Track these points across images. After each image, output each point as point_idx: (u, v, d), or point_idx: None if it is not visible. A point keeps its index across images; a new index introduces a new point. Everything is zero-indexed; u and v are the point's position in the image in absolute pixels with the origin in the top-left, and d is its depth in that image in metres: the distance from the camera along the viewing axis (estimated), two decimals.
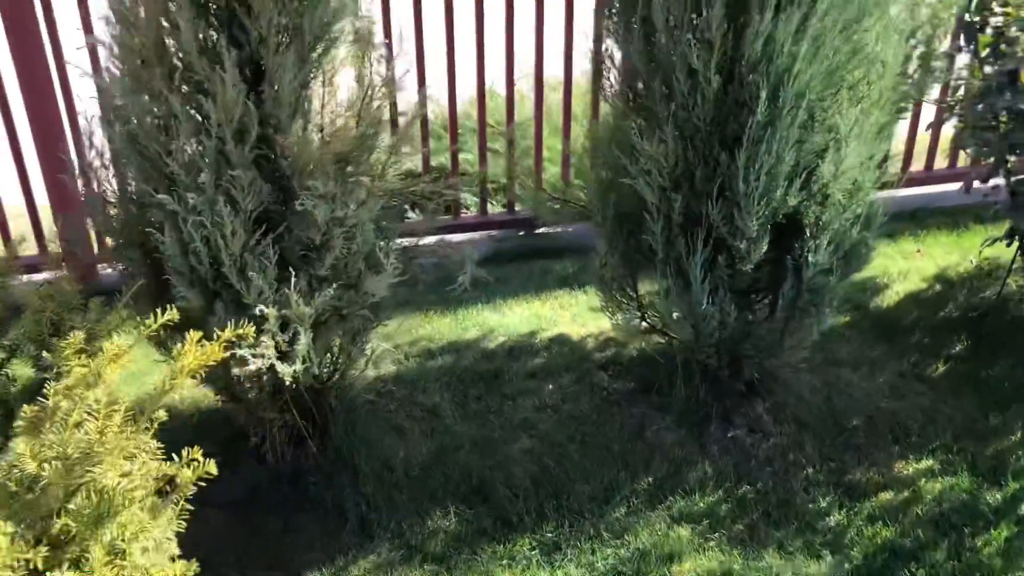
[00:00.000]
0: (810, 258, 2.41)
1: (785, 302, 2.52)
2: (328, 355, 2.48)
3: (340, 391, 2.63)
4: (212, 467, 1.51)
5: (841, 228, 2.42)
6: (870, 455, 2.70)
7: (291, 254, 2.22)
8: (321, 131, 2.32)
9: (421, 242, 2.67)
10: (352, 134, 2.38)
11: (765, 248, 2.39)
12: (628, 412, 2.90)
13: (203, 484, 1.68)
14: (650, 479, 2.63)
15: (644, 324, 2.80)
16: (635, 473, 2.64)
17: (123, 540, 1.37)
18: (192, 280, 2.15)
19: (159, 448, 1.55)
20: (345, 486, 2.56)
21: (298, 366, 2.07)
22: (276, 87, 2.10)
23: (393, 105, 2.74)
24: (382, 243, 2.36)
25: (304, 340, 2.09)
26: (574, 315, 3.44)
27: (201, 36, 2.05)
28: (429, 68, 3.53)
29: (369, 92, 2.42)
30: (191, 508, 1.61)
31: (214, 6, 2.08)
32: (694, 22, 2.20)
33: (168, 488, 1.55)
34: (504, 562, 2.36)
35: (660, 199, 2.38)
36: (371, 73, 2.41)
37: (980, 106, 2.91)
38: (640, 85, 2.38)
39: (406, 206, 2.74)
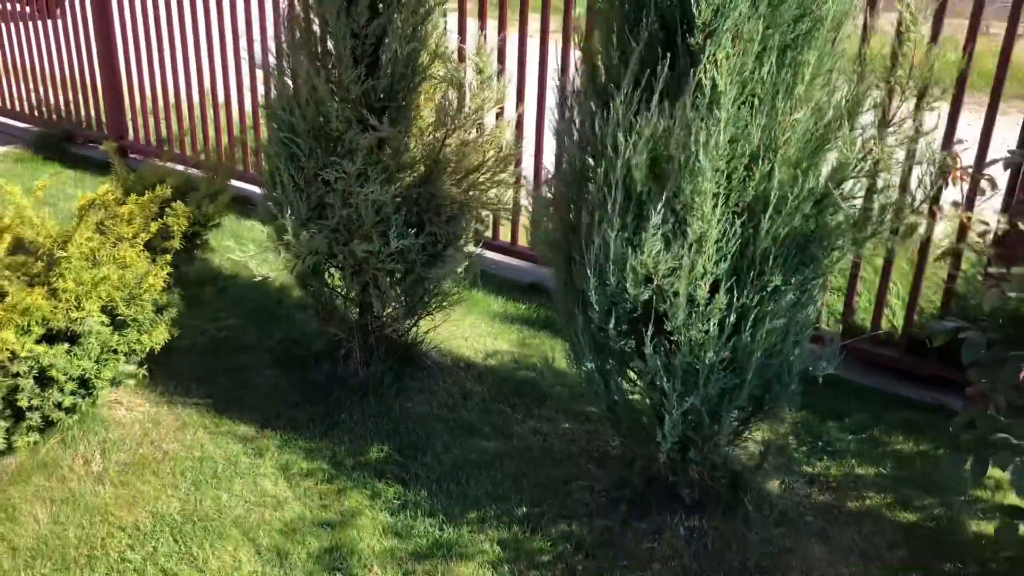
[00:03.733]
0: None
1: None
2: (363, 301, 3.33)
3: (386, 337, 3.43)
4: None
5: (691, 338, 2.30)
6: None
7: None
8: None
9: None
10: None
11: (615, 327, 2.43)
12: (586, 473, 3.03)
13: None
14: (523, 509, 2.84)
15: None
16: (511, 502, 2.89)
17: None
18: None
19: None
20: (354, 402, 3.37)
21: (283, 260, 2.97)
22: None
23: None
24: (396, 218, 3.08)
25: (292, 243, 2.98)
26: None
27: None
28: None
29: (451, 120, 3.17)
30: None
31: None
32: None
33: None
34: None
35: (555, 253, 2.61)
36: (453, 104, 3.15)
37: None
38: None
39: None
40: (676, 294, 2.28)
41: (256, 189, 5.10)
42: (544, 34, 4.03)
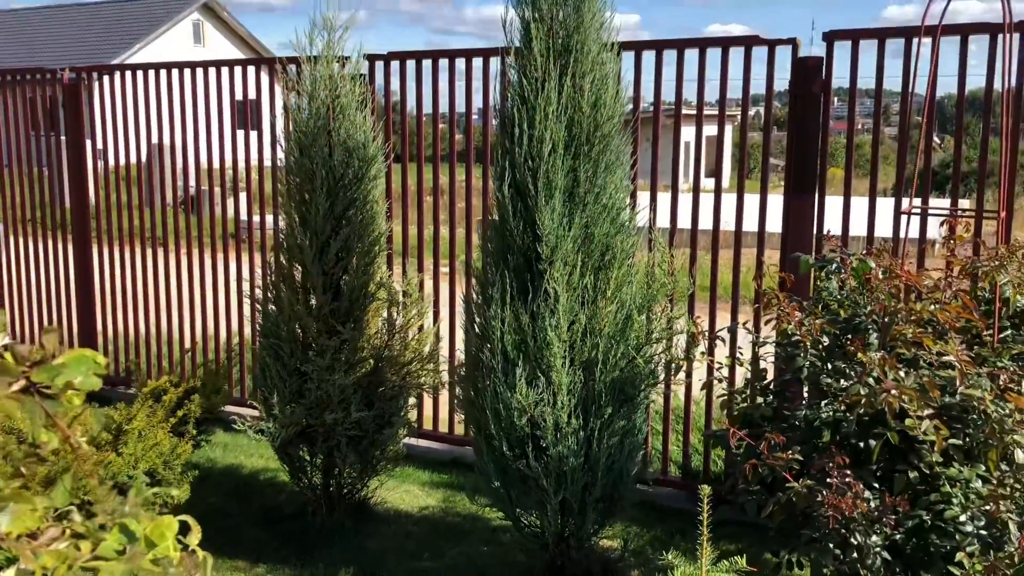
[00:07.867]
0: None
1: None
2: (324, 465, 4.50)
3: (344, 496, 4.58)
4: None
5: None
6: None
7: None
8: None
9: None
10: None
11: (509, 450, 3.70)
12: (502, 573, 4.16)
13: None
14: None
15: None
16: None
17: None
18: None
19: None
20: (323, 543, 4.44)
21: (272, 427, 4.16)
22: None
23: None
24: (354, 398, 4.34)
25: (278, 408, 4.19)
26: None
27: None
28: None
29: (392, 330, 4.54)
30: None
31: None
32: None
33: None
34: None
35: (470, 408, 3.91)
36: (393, 318, 4.54)
37: None
38: None
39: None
40: (545, 421, 3.59)
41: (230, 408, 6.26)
42: (469, 272, 5.55)
